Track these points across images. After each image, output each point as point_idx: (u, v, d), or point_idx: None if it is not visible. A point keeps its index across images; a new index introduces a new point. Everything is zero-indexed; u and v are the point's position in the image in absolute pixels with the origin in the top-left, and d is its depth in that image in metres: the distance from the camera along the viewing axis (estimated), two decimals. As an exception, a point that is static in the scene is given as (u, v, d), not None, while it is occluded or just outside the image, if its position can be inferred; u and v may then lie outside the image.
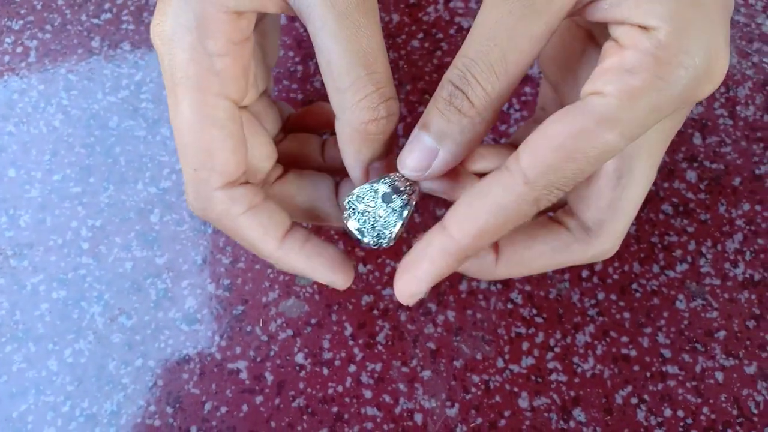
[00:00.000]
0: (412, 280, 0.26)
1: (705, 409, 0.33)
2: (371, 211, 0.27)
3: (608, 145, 0.22)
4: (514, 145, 0.32)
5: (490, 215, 0.24)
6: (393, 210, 0.27)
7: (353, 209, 0.27)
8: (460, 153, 0.25)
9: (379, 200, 0.27)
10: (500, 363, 0.34)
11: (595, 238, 0.27)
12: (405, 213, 0.27)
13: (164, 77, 0.25)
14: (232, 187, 0.27)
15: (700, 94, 0.22)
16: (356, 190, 0.27)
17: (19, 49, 0.41)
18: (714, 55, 0.22)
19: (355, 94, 0.25)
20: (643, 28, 0.22)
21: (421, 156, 0.25)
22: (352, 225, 0.27)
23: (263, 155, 0.29)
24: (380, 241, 0.28)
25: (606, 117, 0.21)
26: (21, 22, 0.41)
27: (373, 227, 0.27)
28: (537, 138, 0.23)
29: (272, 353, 0.35)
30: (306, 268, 0.28)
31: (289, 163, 0.32)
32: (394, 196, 0.27)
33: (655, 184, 0.37)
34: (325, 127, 0.34)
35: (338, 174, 0.32)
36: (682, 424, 0.33)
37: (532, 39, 0.23)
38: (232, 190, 0.26)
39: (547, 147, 0.22)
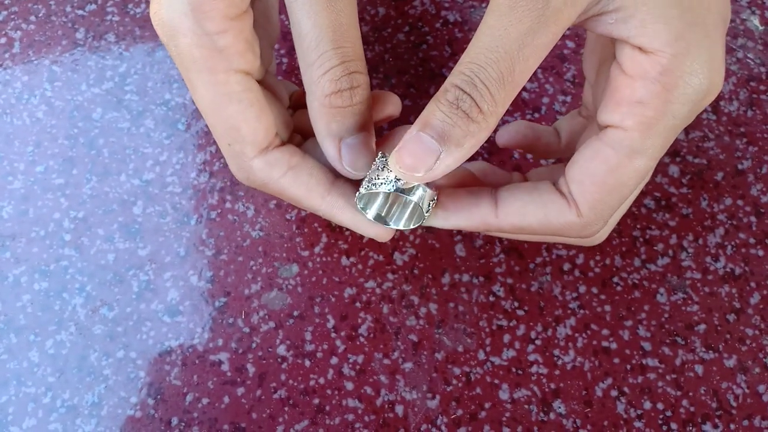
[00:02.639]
0: (441, 221, 0.28)
1: (684, 402, 0.34)
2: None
3: (642, 170, 0.25)
4: (556, 130, 0.34)
5: (536, 224, 0.27)
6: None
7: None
8: (463, 157, 0.25)
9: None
10: (481, 355, 0.34)
11: None
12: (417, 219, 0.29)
13: (176, 64, 0.26)
14: (268, 152, 0.28)
15: (705, 104, 0.24)
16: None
17: (3, 40, 0.41)
18: (716, 69, 0.24)
19: (319, 67, 0.25)
20: (646, 50, 0.23)
21: (421, 156, 0.25)
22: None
23: (280, 124, 0.29)
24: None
25: (634, 150, 0.25)
26: (5, 12, 0.41)
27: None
28: (581, 176, 0.26)
29: (254, 345, 0.35)
30: (350, 222, 0.29)
31: (304, 135, 0.33)
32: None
33: (637, 178, 0.37)
34: None
35: None
36: (661, 416, 0.33)
37: (539, 48, 0.23)
38: (269, 155, 0.28)
39: (592, 184, 0.26)
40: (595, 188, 0.25)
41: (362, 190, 0.27)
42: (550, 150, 0.33)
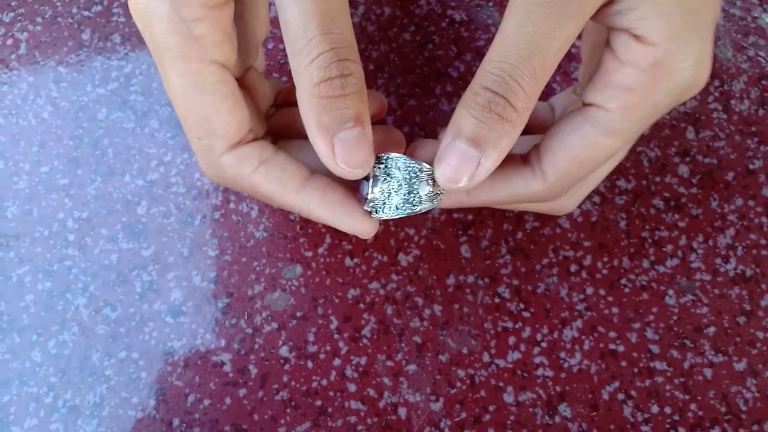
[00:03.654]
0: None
1: (693, 406, 0.33)
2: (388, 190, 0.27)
3: (612, 149, 0.26)
4: (551, 106, 0.35)
5: (504, 196, 0.28)
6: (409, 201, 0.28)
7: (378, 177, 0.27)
8: (502, 156, 0.25)
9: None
10: (486, 357, 0.34)
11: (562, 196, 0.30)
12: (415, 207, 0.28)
13: (150, 52, 0.26)
14: (239, 147, 0.27)
15: (686, 98, 0.26)
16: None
17: (10, 41, 0.41)
18: (702, 69, 0.25)
19: (307, 54, 0.24)
20: (642, 41, 0.24)
21: (462, 167, 0.25)
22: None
23: (254, 123, 0.29)
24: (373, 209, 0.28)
25: (610, 129, 0.25)
26: (12, 14, 0.41)
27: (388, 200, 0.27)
28: (556, 146, 0.27)
29: (256, 346, 0.34)
30: (329, 218, 0.28)
31: (280, 137, 0.32)
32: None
33: (646, 178, 0.37)
34: None
35: None
36: (669, 420, 0.33)
37: (567, 40, 0.24)
38: (239, 150, 0.27)
39: (565, 156, 0.26)
40: (567, 159, 0.26)
41: (389, 214, 0.27)
42: (546, 125, 0.34)
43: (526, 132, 0.36)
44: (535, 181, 0.27)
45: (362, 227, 0.28)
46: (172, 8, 0.24)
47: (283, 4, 0.24)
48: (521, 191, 0.28)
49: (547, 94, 0.39)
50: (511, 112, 0.24)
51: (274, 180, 0.27)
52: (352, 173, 0.25)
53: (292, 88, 0.33)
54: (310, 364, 0.34)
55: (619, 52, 0.24)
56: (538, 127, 0.34)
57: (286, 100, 0.33)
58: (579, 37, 0.40)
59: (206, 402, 0.33)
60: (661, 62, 0.24)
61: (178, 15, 0.24)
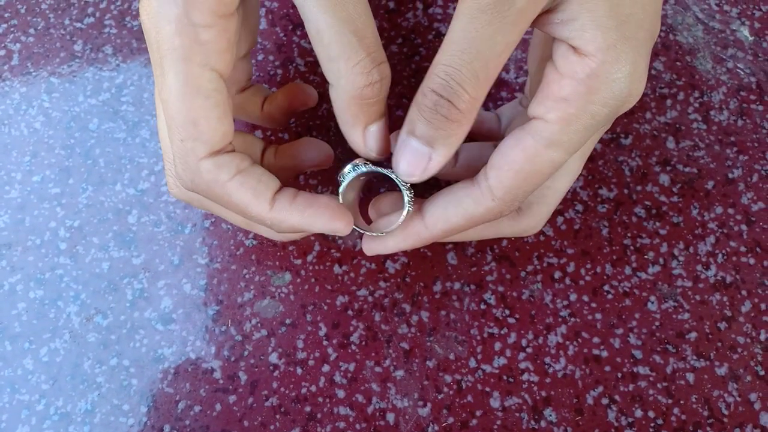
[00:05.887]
0: (382, 247, 0.30)
1: (676, 410, 0.34)
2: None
3: (556, 162, 0.27)
4: (497, 116, 0.36)
5: (461, 220, 0.28)
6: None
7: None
8: (451, 151, 0.27)
9: None
10: (472, 363, 0.34)
11: (524, 217, 0.31)
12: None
13: (151, 53, 0.26)
14: (219, 155, 0.27)
15: (623, 110, 0.26)
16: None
17: (2, 52, 0.41)
18: (637, 81, 0.25)
19: (347, 60, 0.25)
20: (580, 52, 0.25)
21: (415, 161, 0.27)
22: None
23: None
24: None
25: (551, 141, 0.26)
26: (5, 25, 0.42)
27: None
28: (501, 161, 0.27)
29: (246, 353, 0.35)
30: (302, 222, 0.28)
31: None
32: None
33: (628, 187, 0.37)
34: (302, 105, 0.35)
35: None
36: (652, 424, 0.33)
37: (508, 45, 0.25)
38: (219, 158, 0.27)
39: (510, 170, 0.27)
40: (512, 173, 0.27)
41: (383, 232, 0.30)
42: (491, 135, 0.36)
43: (472, 139, 0.37)
44: (485, 198, 0.28)
45: (336, 225, 0.29)
46: (184, 11, 0.25)
47: (311, 15, 0.25)
48: (474, 211, 0.28)
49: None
50: (456, 113, 0.26)
51: (249, 189, 0.27)
52: (379, 157, 0.29)
53: (280, 94, 0.34)
54: (299, 371, 0.34)
55: (558, 64, 0.26)
56: (484, 136, 0.36)
57: (272, 106, 0.34)
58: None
59: (197, 408, 0.34)
60: (597, 74, 0.25)
61: (189, 18, 0.25)
